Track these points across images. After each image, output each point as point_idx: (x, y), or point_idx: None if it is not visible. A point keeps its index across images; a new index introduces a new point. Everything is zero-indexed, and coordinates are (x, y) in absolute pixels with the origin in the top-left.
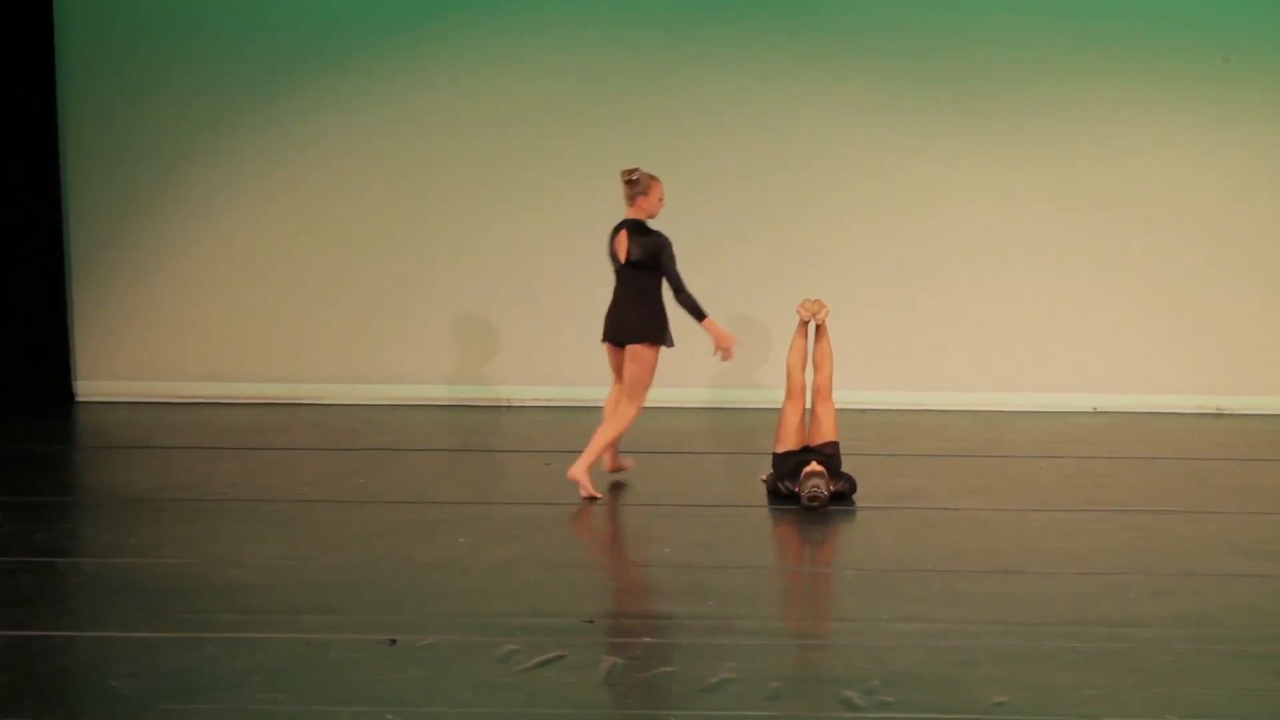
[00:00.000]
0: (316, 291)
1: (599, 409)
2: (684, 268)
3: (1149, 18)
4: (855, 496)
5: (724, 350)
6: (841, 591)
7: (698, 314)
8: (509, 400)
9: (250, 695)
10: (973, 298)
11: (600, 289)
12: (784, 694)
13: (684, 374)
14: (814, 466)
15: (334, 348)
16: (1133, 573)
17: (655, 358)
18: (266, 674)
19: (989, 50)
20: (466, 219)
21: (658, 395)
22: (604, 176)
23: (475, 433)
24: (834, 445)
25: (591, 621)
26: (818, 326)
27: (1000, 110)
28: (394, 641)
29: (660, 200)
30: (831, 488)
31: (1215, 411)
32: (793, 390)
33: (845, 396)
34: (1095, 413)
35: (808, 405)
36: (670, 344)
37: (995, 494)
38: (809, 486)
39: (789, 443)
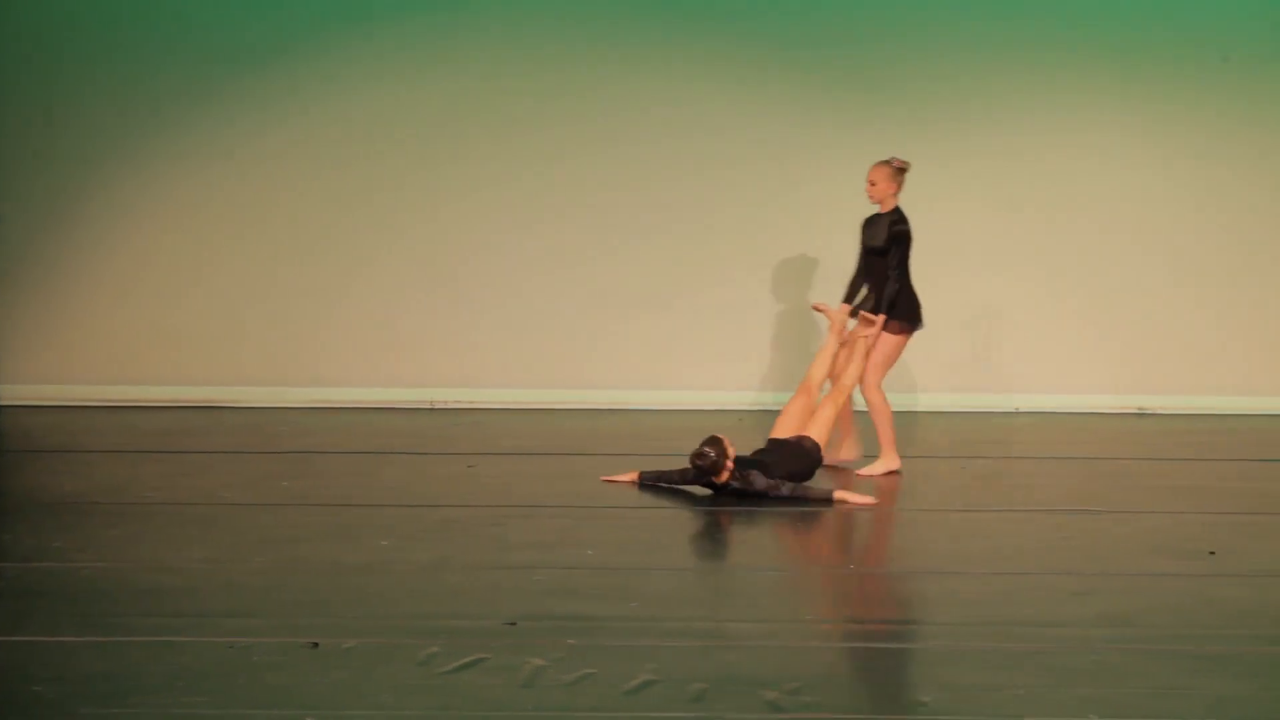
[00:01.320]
0: (239, 294)
1: (523, 410)
2: (596, 264)
3: (1074, 20)
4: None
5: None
6: (764, 592)
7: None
8: (432, 402)
9: (173, 699)
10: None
11: (524, 288)
12: (707, 695)
13: (592, 376)
14: (714, 436)
15: (257, 350)
16: (1055, 573)
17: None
18: (189, 678)
19: (916, 52)
20: (388, 221)
21: (591, 396)
22: (523, 177)
23: (399, 435)
24: (787, 443)
25: (514, 624)
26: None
27: (928, 114)
28: (316, 645)
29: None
30: (725, 468)
31: (1137, 411)
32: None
33: (764, 398)
34: (1017, 413)
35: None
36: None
37: (917, 495)
38: (698, 447)
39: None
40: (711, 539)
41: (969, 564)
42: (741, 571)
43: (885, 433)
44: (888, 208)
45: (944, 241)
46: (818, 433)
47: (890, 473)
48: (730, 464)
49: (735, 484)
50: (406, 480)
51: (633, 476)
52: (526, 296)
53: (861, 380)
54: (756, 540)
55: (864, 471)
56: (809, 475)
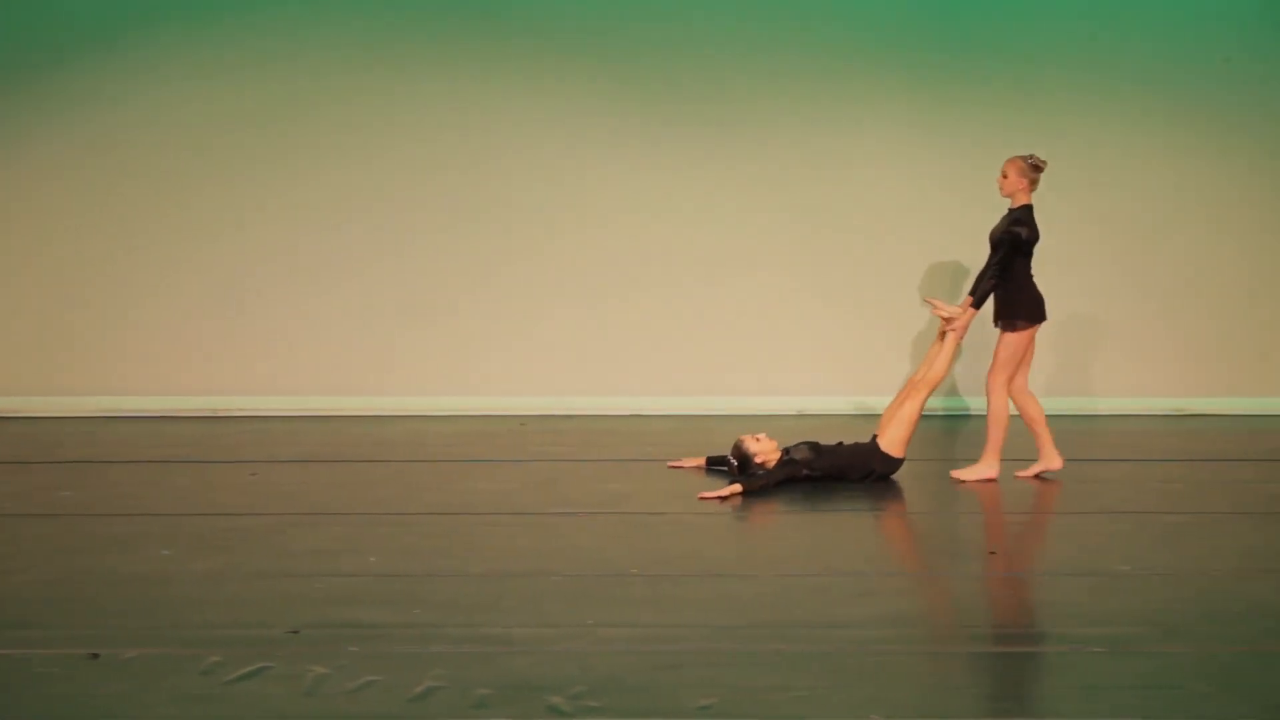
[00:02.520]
0: (20, 303)
1: (306, 417)
2: (389, 269)
3: (840, 24)
4: (573, 504)
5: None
6: (547, 597)
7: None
8: (216, 411)
9: None
10: (675, 302)
11: (306, 295)
12: (491, 701)
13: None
14: (737, 440)
15: (37, 359)
16: (835, 574)
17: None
18: None
19: (684, 58)
20: (173, 229)
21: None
22: (310, 184)
23: (182, 444)
24: (857, 443)
25: (296, 632)
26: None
27: (698, 118)
28: (97, 655)
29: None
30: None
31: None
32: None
33: (545, 403)
34: (800, 415)
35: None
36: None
37: (697, 499)
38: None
39: None
40: (496, 545)
41: (750, 566)
42: (526, 577)
43: (993, 437)
44: (1017, 203)
45: (723, 247)
46: (896, 432)
47: (985, 480)
48: (764, 459)
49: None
50: (189, 489)
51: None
52: (308, 303)
53: (987, 382)
54: (542, 545)
55: (958, 474)
56: (869, 471)
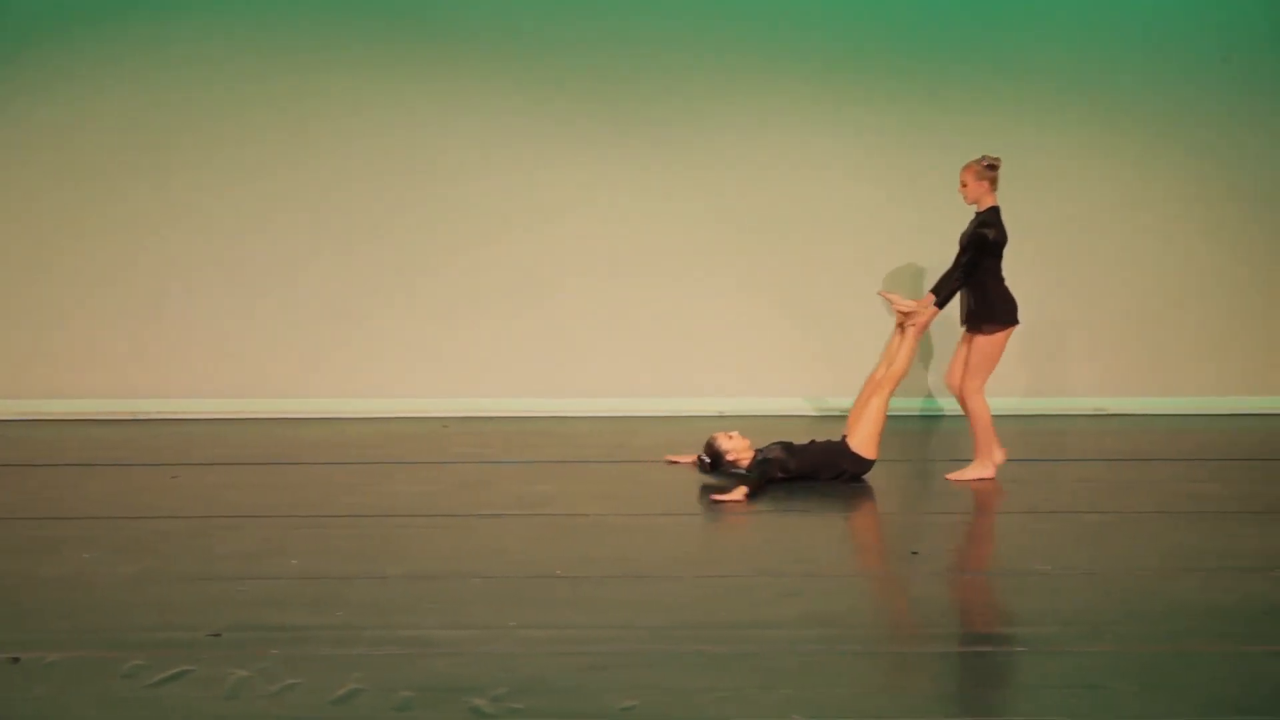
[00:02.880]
0: None
1: (228, 420)
2: (311, 272)
3: (786, 27)
4: (496, 506)
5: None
6: (470, 599)
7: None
8: (138, 414)
9: None
10: (599, 303)
11: (224, 296)
12: (413, 703)
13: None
14: (710, 437)
15: None
16: (759, 574)
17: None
18: None
19: (621, 56)
20: (87, 231)
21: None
22: (224, 188)
23: (103, 447)
24: (829, 441)
25: (219, 635)
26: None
27: (635, 117)
28: (17, 660)
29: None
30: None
31: (841, 413)
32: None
33: (467, 405)
34: (721, 416)
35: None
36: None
37: (622, 499)
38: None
39: None
40: (419, 547)
41: (674, 568)
42: (449, 578)
43: (982, 438)
44: (983, 206)
45: (653, 248)
46: (865, 430)
47: (982, 479)
48: (735, 457)
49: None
50: (110, 492)
51: (693, 459)
52: (230, 307)
53: (962, 385)
54: (465, 547)
55: (954, 476)
56: (840, 472)
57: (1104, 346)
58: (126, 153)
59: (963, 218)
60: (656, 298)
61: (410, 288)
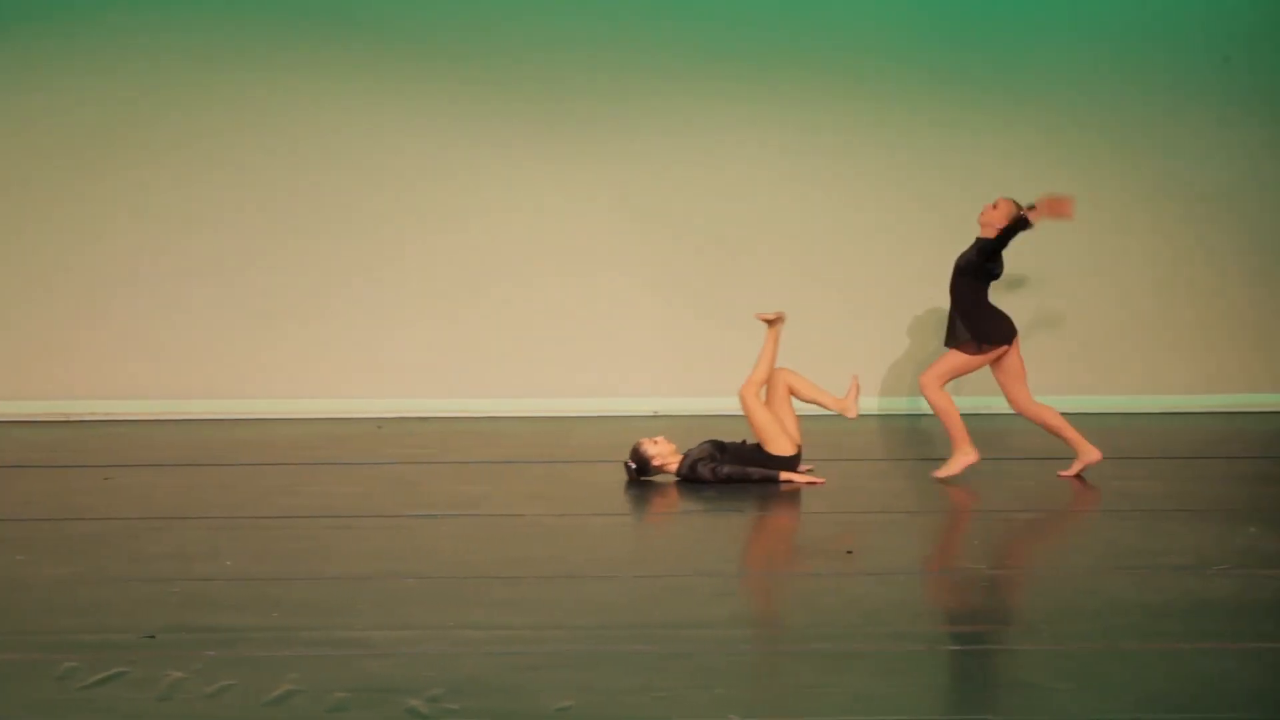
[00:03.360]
0: None
1: (160, 421)
2: (244, 274)
3: (705, 28)
4: (431, 506)
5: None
6: (404, 600)
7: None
8: (70, 415)
9: None
10: (532, 305)
11: (156, 297)
12: (349, 704)
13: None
14: (636, 444)
15: None
16: (694, 574)
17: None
18: None
19: (551, 58)
20: (32, 232)
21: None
22: (162, 190)
23: (36, 448)
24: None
25: (153, 636)
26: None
27: (562, 119)
28: None
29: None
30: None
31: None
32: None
33: (401, 405)
34: (655, 416)
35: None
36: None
37: (556, 499)
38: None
39: None
40: (353, 547)
41: (609, 568)
42: (383, 579)
43: (954, 431)
44: (987, 235)
45: (584, 248)
46: (763, 433)
47: (967, 466)
48: (662, 462)
49: (688, 474)
50: (43, 494)
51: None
52: (162, 307)
53: (920, 382)
54: (399, 548)
55: (940, 473)
56: (770, 472)
57: (1039, 346)
58: (60, 155)
59: (882, 214)
60: (589, 299)
61: (343, 290)
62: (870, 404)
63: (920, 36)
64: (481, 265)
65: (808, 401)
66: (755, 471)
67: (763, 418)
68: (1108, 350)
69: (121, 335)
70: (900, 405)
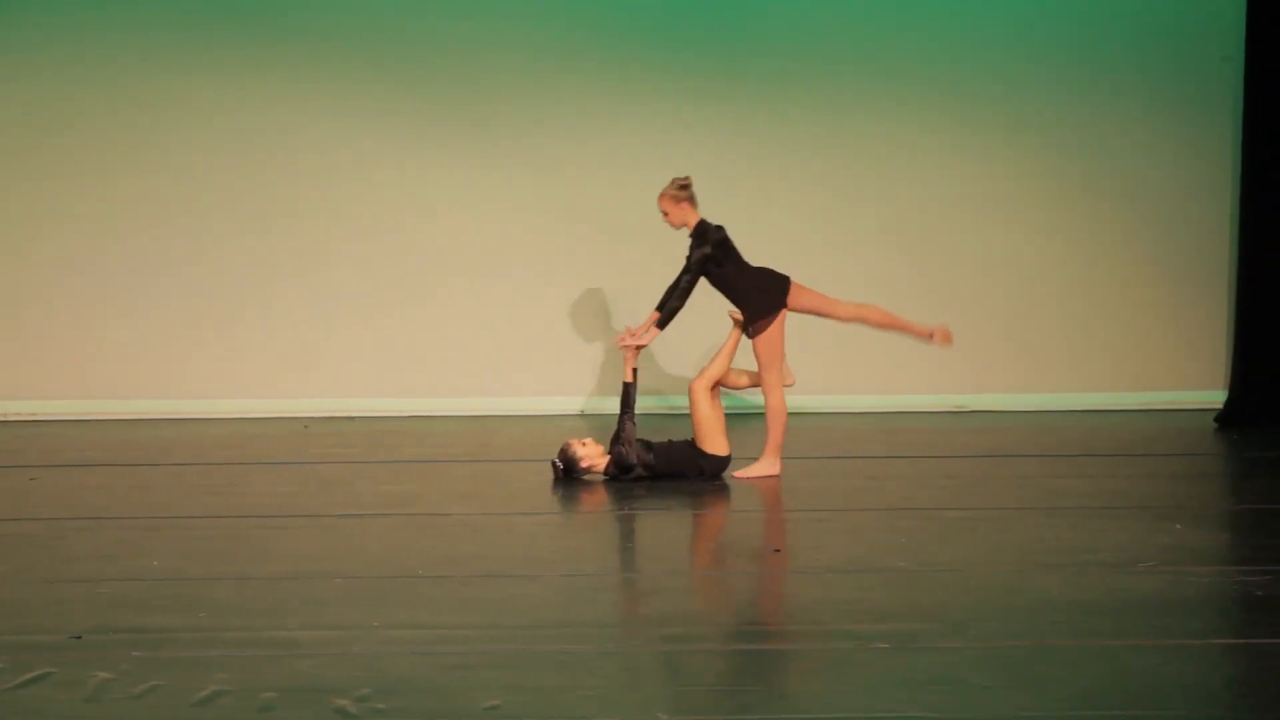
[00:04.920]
0: None
1: (85, 421)
2: (172, 273)
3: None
4: (358, 506)
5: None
6: (332, 600)
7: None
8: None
9: None
10: (458, 302)
11: (90, 300)
12: (277, 704)
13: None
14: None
15: None
16: (620, 574)
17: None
18: None
19: (481, 58)
20: None
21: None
22: (96, 188)
23: None
24: (687, 443)
25: (79, 637)
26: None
27: (489, 118)
28: None
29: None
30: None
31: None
32: None
33: (327, 405)
34: (582, 415)
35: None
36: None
37: (484, 498)
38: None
39: None
40: (279, 547)
41: (536, 567)
42: (310, 579)
43: (774, 434)
44: (691, 225)
45: (504, 248)
46: (703, 429)
47: (768, 476)
48: (590, 463)
49: (618, 472)
50: None
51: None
52: (87, 306)
53: (761, 381)
54: (326, 547)
55: (741, 474)
56: (700, 470)
57: (966, 343)
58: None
59: (809, 210)
60: (516, 298)
61: (268, 289)
62: (810, 402)
63: (847, 34)
64: (408, 265)
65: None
66: (689, 471)
67: (706, 414)
68: (1036, 348)
69: (45, 335)
70: (862, 402)
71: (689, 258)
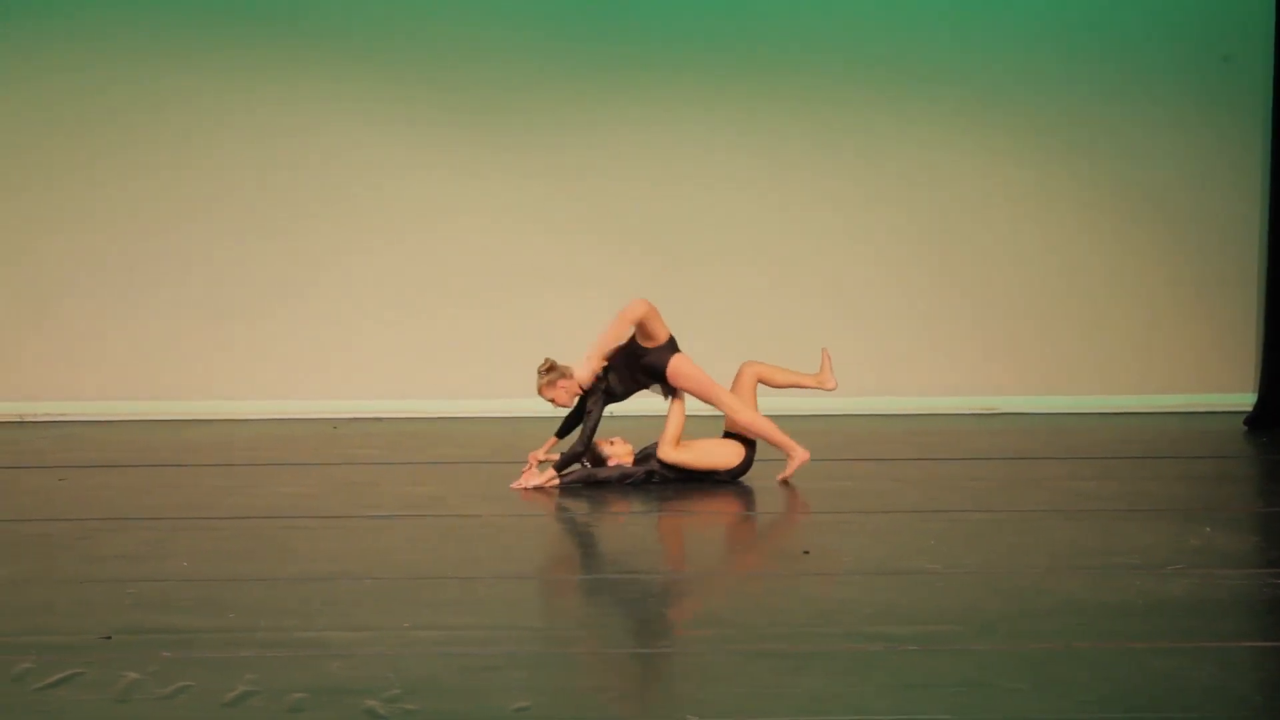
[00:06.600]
0: None
1: (114, 422)
2: (199, 273)
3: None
4: (385, 507)
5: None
6: (361, 600)
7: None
8: (24, 416)
9: None
10: (488, 305)
11: (119, 301)
12: (306, 705)
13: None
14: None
15: None
16: (650, 574)
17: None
18: None
19: (510, 66)
20: None
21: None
22: (118, 190)
23: None
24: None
25: (109, 638)
26: None
27: (519, 125)
28: None
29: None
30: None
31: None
32: None
33: (355, 406)
34: (609, 416)
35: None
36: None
37: (511, 500)
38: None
39: None
40: (308, 548)
41: (566, 568)
42: (339, 580)
43: (776, 438)
44: (583, 385)
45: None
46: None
47: (802, 463)
48: (618, 462)
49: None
50: None
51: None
52: (116, 307)
53: (726, 421)
54: (354, 549)
55: (784, 475)
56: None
57: (993, 346)
58: (4, 156)
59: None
60: (544, 300)
61: (297, 290)
62: (837, 404)
63: (875, 39)
64: (436, 267)
65: (785, 387)
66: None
67: (697, 458)
68: (1063, 350)
69: (74, 336)
70: (886, 404)
71: (586, 411)
